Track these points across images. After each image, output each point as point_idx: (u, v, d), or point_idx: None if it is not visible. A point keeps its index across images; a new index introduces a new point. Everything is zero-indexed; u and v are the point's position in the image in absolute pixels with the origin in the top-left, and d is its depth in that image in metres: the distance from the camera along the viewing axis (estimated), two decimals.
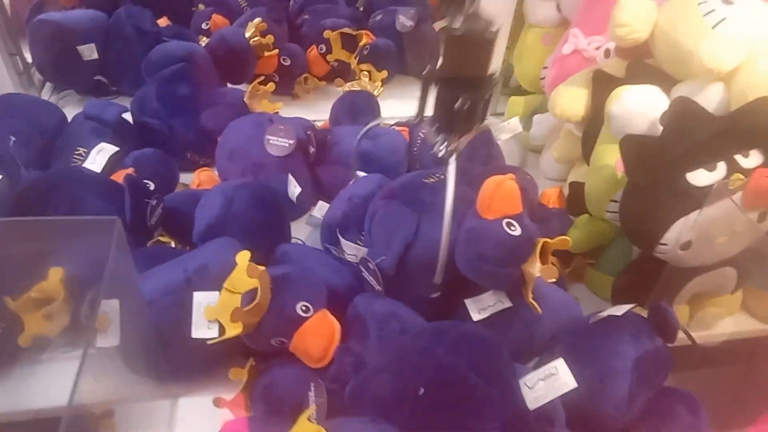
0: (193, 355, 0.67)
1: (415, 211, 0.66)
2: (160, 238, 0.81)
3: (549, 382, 0.54)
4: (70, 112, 1.00)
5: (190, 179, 0.98)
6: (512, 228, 0.61)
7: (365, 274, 0.69)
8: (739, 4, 0.75)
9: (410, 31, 1.34)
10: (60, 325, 0.68)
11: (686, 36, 0.76)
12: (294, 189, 0.90)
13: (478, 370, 0.50)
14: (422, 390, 0.48)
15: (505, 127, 0.97)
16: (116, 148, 0.87)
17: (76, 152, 0.86)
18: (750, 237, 0.72)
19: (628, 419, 0.63)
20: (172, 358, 0.66)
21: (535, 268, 0.60)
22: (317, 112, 1.19)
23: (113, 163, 0.87)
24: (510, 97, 1.23)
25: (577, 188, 0.93)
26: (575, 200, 0.93)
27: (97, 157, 0.84)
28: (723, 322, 0.87)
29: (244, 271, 0.58)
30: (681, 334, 0.66)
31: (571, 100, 0.94)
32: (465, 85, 0.62)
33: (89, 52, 1.16)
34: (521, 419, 0.52)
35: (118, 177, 0.81)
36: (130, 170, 0.83)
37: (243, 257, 0.61)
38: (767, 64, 0.70)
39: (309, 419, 0.48)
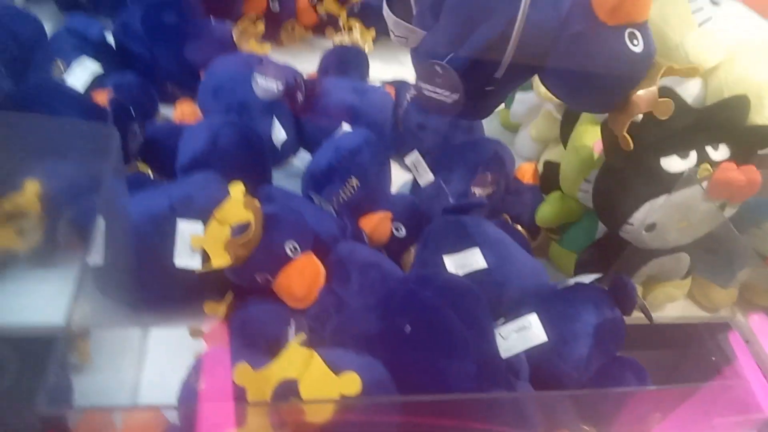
0: (169, 285, 0.66)
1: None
2: (138, 167, 0.78)
3: (521, 334, 0.57)
4: (47, 27, 0.94)
5: (169, 112, 0.95)
6: (635, 42, 0.49)
7: (429, 88, 0.56)
8: (724, 6, 0.79)
9: None
10: (31, 241, 0.66)
11: (674, 30, 0.79)
12: (279, 134, 0.89)
13: (461, 314, 0.52)
14: (408, 328, 0.50)
15: None
16: (98, 66, 0.83)
17: (56, 65, 0.81)
18: (706, 226, 0.78)
19: (583, 380, 0.67)
20: (148, 286, 0.65)
21: (648, 95, 0.50)
22: (302, 62, 1.16)
23: (93, 84, 0.83)
24: None
25: (550, 167, 0.97)
26: (547, 178, 0.97)
27: (79, 72, 0.80)
28: (669, 306, 0.94)
29: (239, 203, 0.58)
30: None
31: None
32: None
33: None
34: (494, 365, 0.55)
35: (97, 97, 0.78)
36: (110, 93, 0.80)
37: (238, 189, 0.61)
38: (744, 65, 0.74)
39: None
